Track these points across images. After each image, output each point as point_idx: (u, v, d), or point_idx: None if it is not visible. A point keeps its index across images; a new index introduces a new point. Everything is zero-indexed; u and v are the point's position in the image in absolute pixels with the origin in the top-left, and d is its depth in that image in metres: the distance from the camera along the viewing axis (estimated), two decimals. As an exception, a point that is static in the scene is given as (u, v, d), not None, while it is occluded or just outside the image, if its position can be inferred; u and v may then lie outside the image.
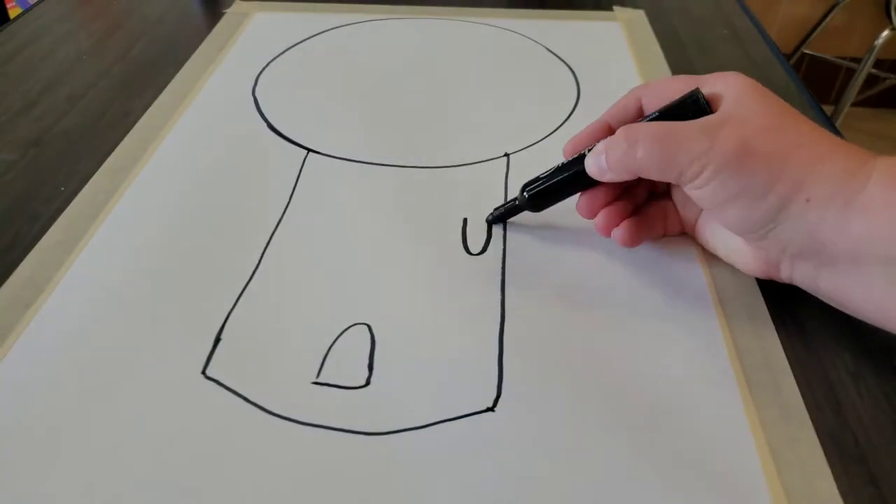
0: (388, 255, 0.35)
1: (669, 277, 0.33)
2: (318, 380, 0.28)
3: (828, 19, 1.58)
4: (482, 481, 0.25)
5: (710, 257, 0.34)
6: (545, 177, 0.34)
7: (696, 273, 0.33)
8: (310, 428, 0.27)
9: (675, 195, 0.34)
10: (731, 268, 0.33)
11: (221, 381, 0.28)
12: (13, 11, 1.06)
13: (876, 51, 1.45)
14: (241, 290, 0.32)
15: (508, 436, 0.26)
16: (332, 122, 0.45)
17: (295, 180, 0.39)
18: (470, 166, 0.41)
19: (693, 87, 0.30)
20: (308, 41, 0.55)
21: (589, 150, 0.32)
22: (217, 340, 0.30)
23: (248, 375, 0.29)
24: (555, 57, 0.53)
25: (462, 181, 0.40)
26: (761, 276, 0.31)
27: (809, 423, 0.27)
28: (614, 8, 0.60)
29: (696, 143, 0.28)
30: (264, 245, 0.35)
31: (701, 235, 0.34)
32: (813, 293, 0.30)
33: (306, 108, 0.46)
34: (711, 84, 0.30)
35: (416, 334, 0.30)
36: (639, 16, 0.59)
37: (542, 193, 0.34)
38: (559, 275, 0.33)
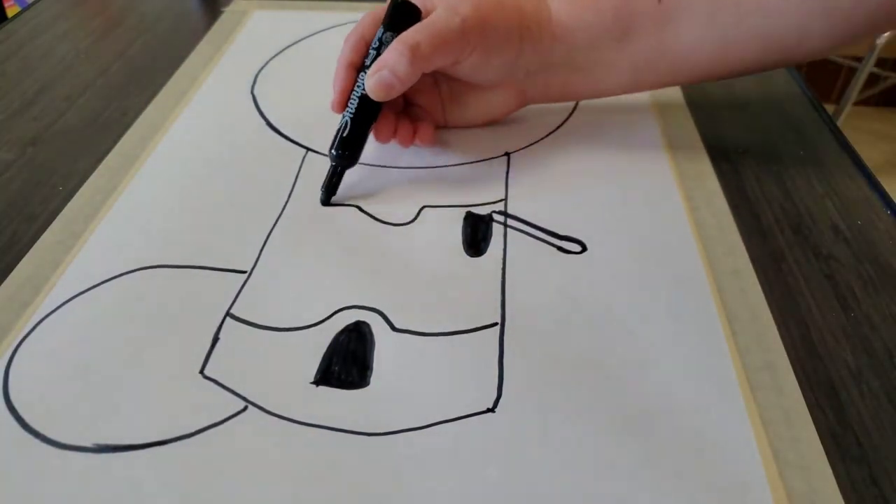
0: (388, 254, 0.34)
1: (671, 277, 0.33)
2: (318, 379, 0.28)
3: (828, 18, 1.58)
4: (482, 482, 0.25)
5: (713, 257, 0.34)
6: (340, 130, 0.37)
7: (698, 274, 0.33)
8: (309, 428, 0.27)
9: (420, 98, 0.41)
10: (734, 268, 0.33)
11: (220, 380, 0.28)
12: (11, 10, 1.06)
13: (877, 50, 1.45)
14: (239, 289, 0.32)
15: (509, 436, 0.26)
16: (331, 120, 0.45)
17: (294, 179, 0.39)
18: (470, 165, 0.41)
19: None
20: (307, 39, 0.55)
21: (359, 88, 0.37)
22: (215, 340, 0.30)
23: (246, 375, 0.28)
24: (555, 55, 0.52)
25: (462, 180, 0.39)
26: (515, 109, 0.42)
27: (811, 423, 0.27)
28: (615, 6, 0.60)
29: (452, 22, 0.35)
30: (262, 244, 0.35)
31: (452, 116, 0.42)
32: (549, 101, 0.42)
33: (305, 106, 0.46)
34: None
35: (416, 334, 0.30)
36: (639, 14, 0.58)
37: (346, 142, 0.37)
38: (559, 275, 0.33)
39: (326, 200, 0.37)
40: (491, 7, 0.36)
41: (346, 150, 0.37)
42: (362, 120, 0.37)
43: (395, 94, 0.36)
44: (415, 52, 0.34)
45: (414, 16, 0.37)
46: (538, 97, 0.41)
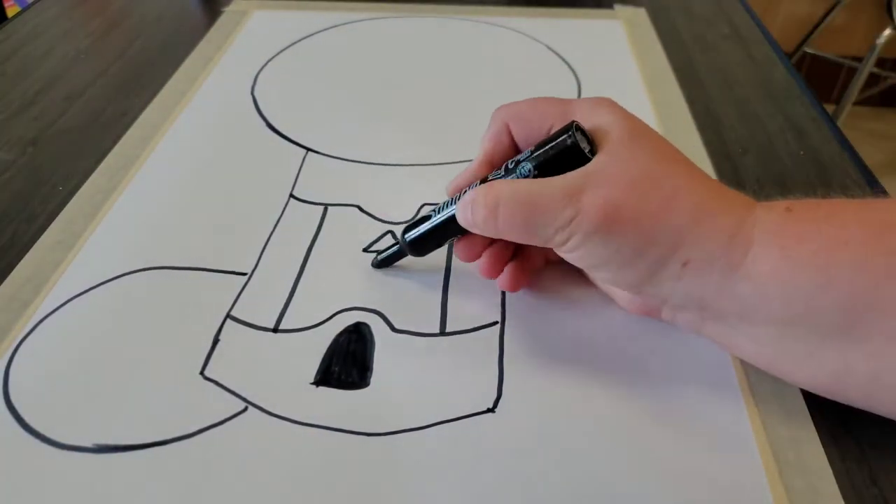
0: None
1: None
2: (318, 380, 0.28)
3: (829, 18, 1.58)
4: (482, 482, 0.25)
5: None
6: (424, 221, 0.31)
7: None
8: (309, 428, 0.27)
9: None
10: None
11: (220, 381, 0.28)
12: (11, 10, 1.06)
13: (877, 50, 1.45)
14: (239, 290, 0.32)
15: (508, 436, 0.26)
16: (331, 121, 0.45)
17: (294, 180, 0.39)
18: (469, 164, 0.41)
19: (563, 117, 0.28)
20: (307, 39, 0.55)
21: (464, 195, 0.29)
22: (215, 341, 0.30)
23: (246, 376, 0.28)
24: (555, 55, 0.53)
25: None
26: (641, 314, 0.30)
27: (811, 423, 0.27)
28: (615, 6, 0.60)
29: (559, 213, 0.25)
30: (263, 245, 0.35)
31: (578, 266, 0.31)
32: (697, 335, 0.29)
33: (305, 107, 0.46)
34: (584, 117, 0.27)
35: (415, 334, 0.30)
36: (640, 14, 0.59)
37: (421, 239, 0.31)
38: (560, 275, 0.33)
39: (377, 266, 0.34)
40: (632, 218, 0.24)
41: (416, 247, 0.32)
42: (447, 229, 0.30)
43: (476, 232, 0.28)
44: (492, 214, 0.27)
45: (575, 164, 0.26)
46: (678, 324, 0.29)
